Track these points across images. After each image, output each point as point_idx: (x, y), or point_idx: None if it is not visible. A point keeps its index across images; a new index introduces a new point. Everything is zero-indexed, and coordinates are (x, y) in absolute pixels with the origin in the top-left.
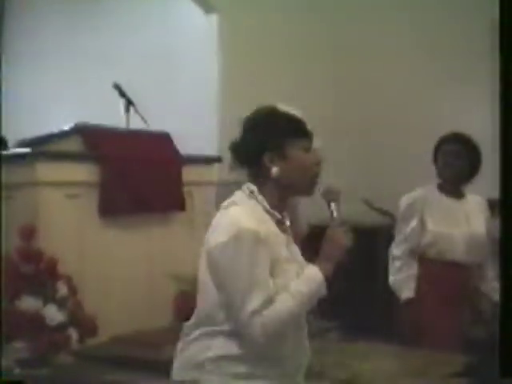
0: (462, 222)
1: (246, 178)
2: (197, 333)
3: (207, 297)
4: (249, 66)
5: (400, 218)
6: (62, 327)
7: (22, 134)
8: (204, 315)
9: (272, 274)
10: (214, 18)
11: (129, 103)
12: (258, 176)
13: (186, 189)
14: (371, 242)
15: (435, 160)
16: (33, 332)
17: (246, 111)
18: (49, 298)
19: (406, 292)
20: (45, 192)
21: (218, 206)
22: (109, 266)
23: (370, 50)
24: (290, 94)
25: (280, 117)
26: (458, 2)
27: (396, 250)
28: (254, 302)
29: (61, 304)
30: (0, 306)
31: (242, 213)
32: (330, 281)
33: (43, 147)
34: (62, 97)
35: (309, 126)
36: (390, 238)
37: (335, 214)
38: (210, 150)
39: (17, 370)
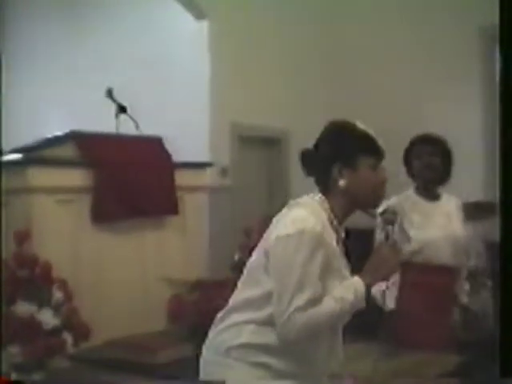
0: (444, 225)
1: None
2: (230, 320)
3: (252, 282)
4: (239, 72)
5: (378, 225)
6: (57, 331)
7: (15, 141)
8: (242, 300)
9: (322, 279)
10: (204, 24)
11: (121, 108)
12: (326, 186)
13: (177, 194)
14: (370, 244)
15: (408, 163)
16: (28, 336)
17: (237, 116)
18: (44, 302)
19: (389, 303)
20: (38, 198)
21: (210, 211)
22: (102, 271)
23: (359, 55)
24: (280, 98)
25: (354, 132)
26: (447, 10)
27: None
28: (302, 299)
29: (56, 308)
30: (0, 310)
31: (310, 214)
32: (369, 296)
33: (37, 154)
34: (55, 102)
35: (381, 147)
36: None
37: (391, 235)
38: (202, 156)
39: (13, 375)
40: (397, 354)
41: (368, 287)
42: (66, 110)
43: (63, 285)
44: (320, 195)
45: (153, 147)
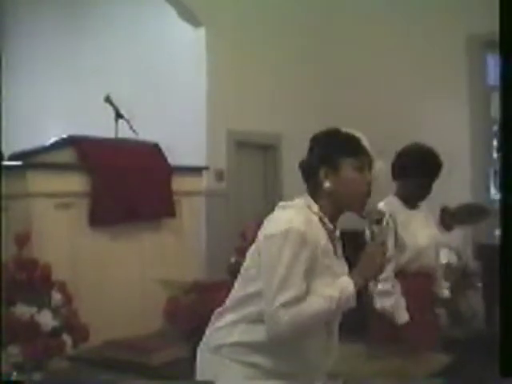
0: (427, 231)
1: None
2: (225, 319)
3: (245, 282)
4: (235, 78)
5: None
6: (56, 333)
7: (14, 145)
8: (236, 299)
9: (308, 277)
10: (201, 32)
11: (118, 115)
12: (315, 189)
13: (174, 198)
14: (359, 247)
15: (406, 178)
16: (28, 337)
17: (233, 122)
18: (44, 304)
19: (403, 316)
20: (37, 202)
21: (207, 214)
22: (101, 273)
23: (352, 63)
24: (277, 104)
25: (337, 135)
26: (436, 18)
27: (383, 273)
28: (285, 296)
29: (55, 310)
30: (0, 311)
31: (296, 215)
32: (360, 295)
33: (35, 159)
34: (54, 108)
35: (366, 148)
36: None
37: (377, 235)
38: (198, 160)
39: (14, 375)
40: (384, 355)
41: (358, 286)
42: (64, 114)
43: (62, 287)
44: (309, 197)
45: (150, 152)
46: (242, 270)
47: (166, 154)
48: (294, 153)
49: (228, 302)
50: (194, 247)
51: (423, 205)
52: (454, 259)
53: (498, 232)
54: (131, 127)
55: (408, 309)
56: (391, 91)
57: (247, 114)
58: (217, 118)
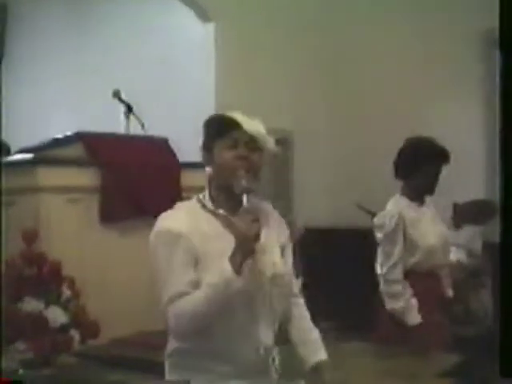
0: (436, 229)
1: None
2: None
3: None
4: (245, 73)
5: (386, 239)
6: (64, 329)
7: (23, 141)
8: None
9: (200, 267)
10: (210, 27)
11: (128, 109)
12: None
13: (184, 194)
14: (368, 243)
15: (410, 171)
16: (36, 333)
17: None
18: (52, 300)
19: (414, 317)
20: (46, 197)
21: None
22: (110, 269)
23: (362, 57)
24: (286, 100)
25: (211, 120)
26: (448, 12)
27: (393, 274)
28: (168, 294)
29: (64, 306)
30: (0, 307)
31: (168, 214)
32: (239, 272)
33: (45, 153)
34: (63, 103)
35: (235, 123)
36: None
37: (245, 203)
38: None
39: (20, 371)
40: (393, 354)
41: (235, 264)
42: (72, 110)
43: (71, 283)
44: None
45: (159, 148)
46: None
47: (176, 149)
48: (305, 147)
49: None
50: None
51: (430, 202)
52: (463, 257)
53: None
54: (140, 122)
55: (418, 309)
56: (404, 90)
57: (257, 110)
58: (226, 113)
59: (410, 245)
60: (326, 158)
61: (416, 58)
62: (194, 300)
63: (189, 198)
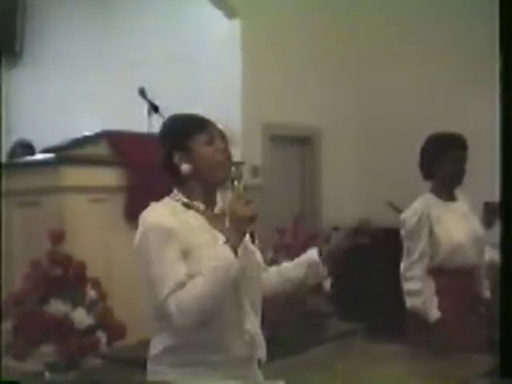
0: (466, 226)
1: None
2: (154, 331)
3: (143, 293)
4: (271, 70)
5: (408, 235)
6: (90, 330)
7: (47, 139)
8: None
9: (189, 260)
10: (237, 23)
11: (153, 107)
12: (174, 177)
13: None
14: (399, 244)
15: (435, 165)
16: (61, 335)
17: (269, 116)
18: (78, 301)
19: (434, 313)
20: (71, 197)
21: None
22: (136, 270)
23: (386, 55)
24: (311, 97)
25: (178, 120)
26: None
27: (411, 271)
28: (167, 287)
29: (89, 308)
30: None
31: (151, 211)
32: (237, 254)
33: (69, 153)
34: (87, 101)
35: (207, 120)
36: None
37: (236, 186)
38: (233, 155)
39: (46, 374)
40: (426, 356)
41: (234, 246)
42: (97, 109)
43: (97, 284)
44: (175, 191)
45: None
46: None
47: None
48: (332, 145)
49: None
50: None
51: (465, 200)
52: (497, 257)
53: None
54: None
55: (446, 308)
56: (426, 83)
57: (283, 107)
58: (252, 111)
59: (433, 241)
60: (354, 156)
61: (439, 58)
62: (196, 287)
63: None
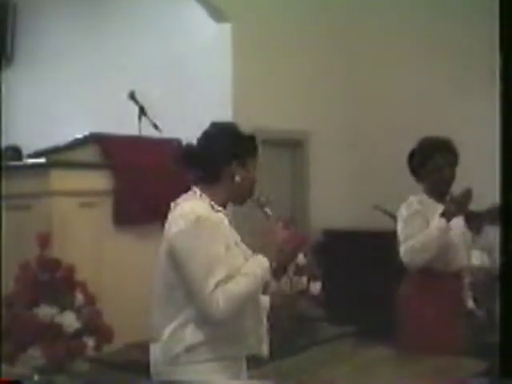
0: (455, 229)
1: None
2: (169, 329)
3: (168, 289)
4: (261, 74)
5: (403, 225)
6: (78, 334)
7: (36, 144)
8: (171, 306)
9: (227, 256)
10: (227, 27)
11: (141, 111)
12: (216, 179)
13: None
14: (388, 247)
15: (425, 169)
16: (50, 339)
17: (259, 119)
18: (66, 305)
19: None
20: (61, 200)
21: (233, 213)
22: (124, 274)
23: (380, 56)
24: (301, 101)
25: (241, 134)
26: (469, 8)
27: (411, 239)
28: (216, 277)
29: (78, 311)
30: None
31: (196, 205)
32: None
33: (58, 156)
34: (75, 106)
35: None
36: None
37: (270, 213)
38: None
39: (35, 377)
40: (416, 359)
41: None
42: (86, 112)
43: (85, 288)
44: (198, 191)
45: (173, 150)
46: (157, 281)
47: None
48: (322, 148)
49: (159, 312)
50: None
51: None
52: (486, 261)
53: None
54: (154, 125)
55: (434, 309)
56: (422, 85)
57: (273, 111)
58: (242, 114)
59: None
60: (344, 160)
61: (431, 61)
62: (244, 284)
63: None
